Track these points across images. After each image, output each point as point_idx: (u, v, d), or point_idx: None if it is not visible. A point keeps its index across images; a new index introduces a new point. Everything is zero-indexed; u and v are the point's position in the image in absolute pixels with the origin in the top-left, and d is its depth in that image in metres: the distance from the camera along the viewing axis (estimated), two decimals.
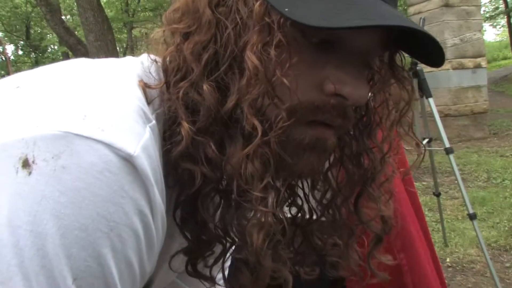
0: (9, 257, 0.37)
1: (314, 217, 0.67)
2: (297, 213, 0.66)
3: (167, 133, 0.48)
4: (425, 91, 3.03)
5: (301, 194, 0.67)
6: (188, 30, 0.51)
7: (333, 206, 0.65)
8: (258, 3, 0.47)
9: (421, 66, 3.18)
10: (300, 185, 0.66)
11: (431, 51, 0.51)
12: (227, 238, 0.55)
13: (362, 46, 0.51)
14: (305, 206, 0.67)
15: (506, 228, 3.67)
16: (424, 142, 3.30)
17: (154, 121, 0.46)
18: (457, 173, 2.91)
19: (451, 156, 2.93)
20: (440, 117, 6.92)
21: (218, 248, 0.57)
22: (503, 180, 5.05)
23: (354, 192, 0.64)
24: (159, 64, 0.52)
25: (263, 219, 0.49)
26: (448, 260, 3.23)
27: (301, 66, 0.48)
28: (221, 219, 0.53)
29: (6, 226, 0.37)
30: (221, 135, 0.49)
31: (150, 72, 0.51)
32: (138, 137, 0.42)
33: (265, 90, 0.47)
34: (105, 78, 0.46)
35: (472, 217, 2.79)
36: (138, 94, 0.46)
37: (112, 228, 0.39)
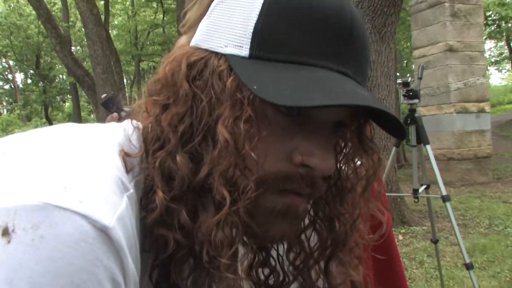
0: None
1: (287, 280, 0.67)
2: (269, 275, 0.66)
3: (143, 201, 0.50)
4: (423, 138, 3.02)
5: (275, 256, 0.66)
6: (167, 102, 0.53)
7: (305, 269, 0.65)
8: (230, 79, 0.50)
9: (419, 113, 3.18)
10: (275, 248, 0.66)
11: (395, 125, 0.54)
12: None
13: (328, 119, 0.54)
14: (278, 268, 0.66)
15: (508, 279, 3.57)
16: (422, 188, 3.26)
17: (132, 190, 0.48)
18: (454, 221, 2.86)
19: (448, 204, 2.88)
20: (443, 160, 6.89)
21: None
22: (505, 228, 4.96)
23: (324, 256, 0.64)
24: (140, 131, 0.55)
25: (231, 286, 0.51)
26: None
27: (270, 138, 0.51)
28: (193, 283, 0.54)
29: None
30: (194, 203, 0.51)
31: (130, 141, 0.53)
32: (114, 208, 0.44)
33: (234, 162, 0.49)
34: (87, 149, 0.47)
35: (469, 267, 2.72)
36: (118, 163, 0.48)
37: None
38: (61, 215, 0.40)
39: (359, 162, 0.61)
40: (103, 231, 0.42)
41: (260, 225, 0.53)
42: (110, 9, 16.20)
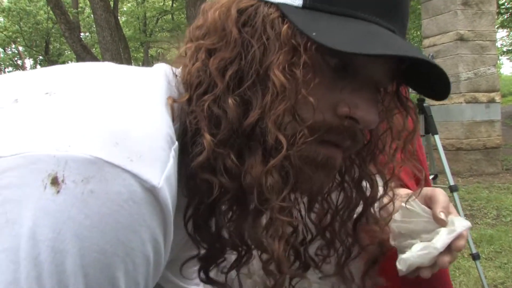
0: (28, 268, 0.38)
1: (309, 237, 0.68)
2: (292, 233, 0.67)
3: (188, 145, 0.51)
4: (431, 128, 3.00)
5: (298, 216, 0.68)
6: (214, 47, 0.54)
7: (331, 229, 0.67)
8: (285, 26, 0.51)
9: (428, 103, 3.16)
10: (297, 207, 0.67)
11: (437, 85, 0.55)
12: (243, 246, 0.57)
13: (374, 74, 0.55)
14: (300, 227, 0.68)
15: None
16: (430, 178, 3.26)
17: (176, 142, 0.48)
18: (461, 212, 2.85)
19: (456, 194, 2.87)
20: (452, 150, 6.85)
21: (230, 256, 0.59)
22: None
23: (352, 216, 0.67)
24: (179, 77, 0.55)
25: (281, 228, 0.52)
26: None
27: (321, 87, 0.52)
28: (237, 228, 0.56)
29: (28, 238, 0.39)
30: (241, 147, 0.52)
31: (174, 86, 0.54)
32: (163, 167, 0.44)
33: (290, 107, 0.50)
34: (137, 100, 0.47)
35: (475, 257, 2.72)
36: (166, 116, 0.49)
37: (128, 254, 0.42)
38: (112, 172, 0.41)
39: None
40: (151, 192, 0.43)
41: (301, 173, 0.54)
42: None
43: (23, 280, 0.38)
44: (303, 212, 0.66)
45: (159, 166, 0.44)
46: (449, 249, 0.66)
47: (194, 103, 0.52)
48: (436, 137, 2.98)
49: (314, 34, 0.49)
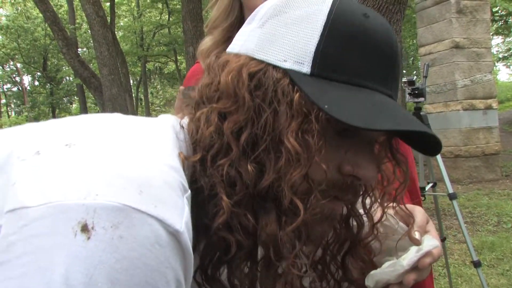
0: None
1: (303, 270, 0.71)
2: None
3: (204, 203, 0.54)
4: None
5: None
6: (226, 110, 0.56)
7: (322, 262, 0.70)
8: (297, 95, 0.54)
9: (425, 111, 3.17)
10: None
11: (429, 143, 0.59)
12: None
13: (373, 136, 0.61)
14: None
15: None
16: (428, 186, 3.25)
17: (189, 191, 0.51)
18: (461, 219, 2.86)
19: (455, 202, 2.87)
20: (451, 158, 6.84)
21: None
22: None
23: (341, 250, 0.70)
24: (185, 129, 0.58)
25: (293, 281, 0.56)
26: None
27: (329, 151, 0.55)
28: (250, 280, 0.59)
29: (61, 284, 0.40)
30: (256, 207, 0.55)
31: (182, 140, 0.57)
32: (182, 213, 0.47)
33: (304, 173, 0.53)
34: (153, 152, 0.50)
35: (477, 264, 2.71)
36: (178, 166, 0.51)
37: None
38: (139, 218, 0.43)
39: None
40: (174, 236, 0.45)
41: (312, 229, 0.58)
42: (115, 10, 16.26)
43: None
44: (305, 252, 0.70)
45: (179, 212, 0.47)
46: (416, 267, 0.68)
47: (209, 165, 0.54)
48: None
49: (326, 106, 0.52)
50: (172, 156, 0.52)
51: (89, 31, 10.90)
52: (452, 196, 2.90)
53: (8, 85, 29.64)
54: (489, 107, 8.28)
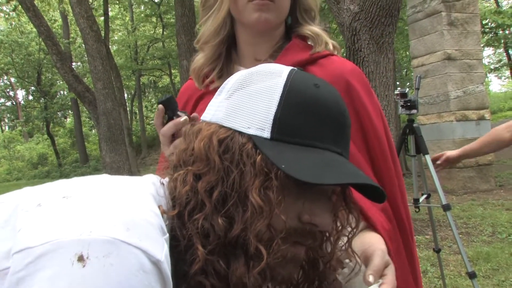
0: None
1: None
2: None
3: (180, 254, 0.62)
4: (422, 148, 3.02)
5: None
6: (200, 172, 0.65)
7: None
8: (259, 157, 0.63)
9: (418, 123, 3.18)
10: None
11: (376, 191, 0.68)
12: None
13: (328, 188, 0.69)
14: None
15: None
16: (422, 198, 3.26)
17: (167, 235, 0.59)
18: (455, 230, 2.87)
19: (449, 213, 2.89)
20: (445, 168, 6.86)
21: None
22: (509, 235, 4.94)
23: None
24: (165, 189, 0.66)
25: None
26: None
27: (288, 203, 0.64)
28: None
29: None
30: (227, 254, 0.63)
31: (163, 196, 0.65)
32: (162, 248, 0.56)
33: (266, 223, 0.61)
34: (137, 200, 0.59)
35: (472, 276, 2.71)
36: (159, 213, 0.60)
37: None
38: (126, 248, 0.52)
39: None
40: (156, 264, 0.54)
41: (275, 270, 0.66)
42: (110, 24, 16.32)
43: None
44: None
45: (159, 246, 0.56)
46: None
47: (187, 219, 0.63)
48: (427, 156, 3.00)
49: (283, 166, 0.61)
50: (154, 205, 0.61)
51: (83, 45, 10.92)
52: (446, 208, 2.91)
53: (2, 100, 29.58)
54: (482, 118, 8.34)
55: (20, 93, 29.02)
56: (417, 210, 3.33)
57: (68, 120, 30.09)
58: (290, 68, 0.70)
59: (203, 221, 0.62)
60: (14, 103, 29.04)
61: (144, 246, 0.53)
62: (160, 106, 0.94)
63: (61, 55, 10.02)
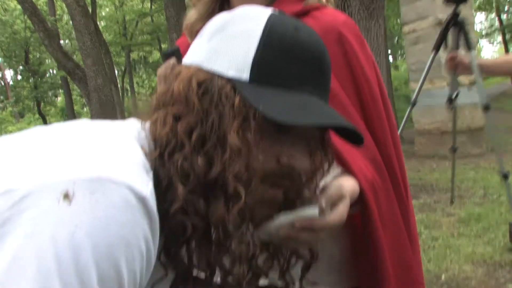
0: (50, 264, 0.48)
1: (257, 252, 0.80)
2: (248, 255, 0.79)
3: (162, 194, 0.62)
4: (468, 43, 2.90)
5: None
6: (179, 113, 0.65)
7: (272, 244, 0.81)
8: (237, 98, 0.64)
9: (462, 17, 3.05)
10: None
11: (353, 135, 0.71)
12: (209, 270, 0.70)
13: (306, 131, 0.71)
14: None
15: (502, 244, 3.63)
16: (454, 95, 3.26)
17: (151, 172, 0.61)
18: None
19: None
20: (437, 134, 6.90)
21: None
22: (500, 196, 5.03)
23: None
24: (147, 132, 0.67)
25: (240, 253, 0.66)
26: (443, 277, 3.20)
27: (266, 144, 0.66)
28: (205, 256, 0.68)
29: (49, 241, 0.48)
30: (207, 194, 0.64)
31: (143, 139, 0.66)
32: (147, 184, 0.57)
33: (244, 163, 0.62)
34: (121, 140, 0.61)
35: (505, 176, 2.89)
36: (141, 153, 0.61)
37: (127, 247, 0.53)
38: (111, 186, 0.52)
39: None
40: (141, 200, 0.55)
41: (253, 211, 0.67)
42: (96, 0, 16.02)
43: (45, 273, 0.47)
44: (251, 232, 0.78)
45: (145, 183, 0.57)
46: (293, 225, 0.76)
47: (167, 160, 0.63)
48: (473, 52, 2.90)
49: (260, 107, 0.62)
50: (136, 146, 0.62)
51: (70, 22, 10.75)
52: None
53: None
54: (473, 83, 8.36)
55: (8, 73, 28.67)
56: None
57: (59, 99, 29.82)
58: (270, 10, 0.71)
59: (183, 161, 0.63)
60: (3, 84, 28.69)
61: (130, 183, 0.54)
62: (173, 59, 0.93)
63: (49, 32, 9.88)
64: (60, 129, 0.62)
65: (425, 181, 6.19)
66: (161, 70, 0.96)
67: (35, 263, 0.48)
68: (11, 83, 28.23)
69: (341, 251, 1.04)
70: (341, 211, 0.81)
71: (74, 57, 14.16)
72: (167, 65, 0.94)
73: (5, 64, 25.31)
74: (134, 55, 23.18)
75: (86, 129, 0.62)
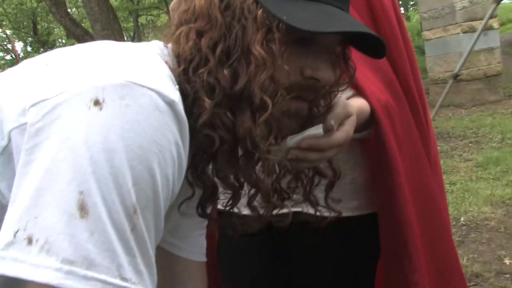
0: (85, 166, 0.49)
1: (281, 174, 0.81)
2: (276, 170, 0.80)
3: (187, 109, 0.61)
4: None
5: None
6: (202, 29, 0.66)
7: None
8: (260, 11, 0.64)
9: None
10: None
11: (376, 46, 0.71)
12: (237, 184, 0.72)
13: (329, 42, 0.71)
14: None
15: None
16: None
17: (177, 85, 0.61)
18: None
19: None
20: (452, 82, 6.79)
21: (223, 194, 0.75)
22: None
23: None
24: (169, 50, 0.68)
25: (270, 166, 0.67)
26: (462, 219, 3.24)
27: (291, 56, 0.65)
28: (233, 170, 0.70)
29: (82, 146, 0.50)
30: (233, 107, 0.65)
31: (167, 55, 0.67)
32: (175, 91, 0.58)
33: (270, 74, 0.63)
34: (145, 52, 0.63)
35: None
36: (166, 66, 0.63)
37: (160, 150, 0.53)
38: (140, 90, 0.53)
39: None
40: (170, 105, 0.56)
41: (280, 123, 0.69)
42: None
43: (81, 175, 0.49)
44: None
45: (173, 91, 0.58)
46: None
47: (191, 74, 0.64)
48: None
49: (284, 17, 0.62)
50: (161, 60, 0.63)
51: None
52: None
53: (1, 54, 29.28)
54: (490, 28, 8.13)
55: (18, 45, 28.66)
56: None
57: None
58: None
59: (208, 75, 0.63)
60: (14, 56, 28.75)
61: (158, 88, 0.55)
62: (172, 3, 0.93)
63: (55, 0, 9.78)
64: (84, 46, 0.64)
65: (441, 128, 6.15)
66: (173, 3, 0.96)
67: (71, 167, 0.49)
68: (21, 55, 28.30)
69: (362, 175, 1.05)
70: (347, 129, 0.81)
71: (82, 25, 14.06)
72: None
73: (14, 36, 25.28)
74: (142, 20, 22.93)
75: (111, 44, 0.64)
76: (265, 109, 0.64)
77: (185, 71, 0.65)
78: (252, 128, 0.65)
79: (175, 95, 0.57)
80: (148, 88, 0.54)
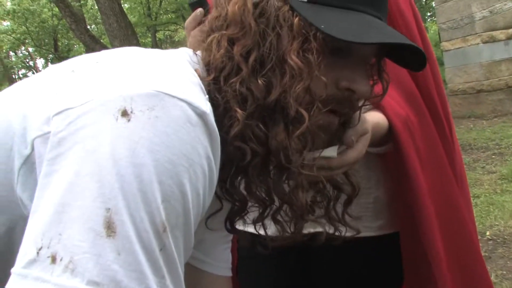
0: (112, 181, 0.46)
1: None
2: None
3: (218, 120, 0.58)
4: None
5: None
6: (235, 36, 0.63)
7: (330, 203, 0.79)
8: (296, 18, 0.61)
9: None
10: None
11: (415, 59, 0.68)
12: (268, 199, 0.68)
13: (365, 54, 0.68)
14: None
15: None
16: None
17: (207, 96, 0.58)
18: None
19: None
20: (472, 94, 6.70)
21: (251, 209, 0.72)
22: None
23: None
24: (199, 58, 0.65)
25: (303, 181, 0.64)
26: (488, 233, 3.13)
27: (327, 67, 0.62)
28: (264, 184, 0.66)
29: (109, 159, 0.46)
30: (266, 119, 0.62)
31: (196, 63, 0.64)
32: (206, 102, 0.55)
33: (307, 86, 0.60)
34: (174, 60, 0.59)
35: None
36: (196, 74, 0.59)
37: (190, 165, 0.50)
38: (171, 101, 0.50)
39: None
40: (202, 117, 0.52)
41: (315, 136, 0.65)
42: None
43: (108, 192, 0.46)
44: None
45: (204, 101, 0.54)
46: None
47: (223, 84, 0.61)
48: None
49: (322, 26, 0.60)
50: (191, 68, 0.59)
51: (95, 6, 10.82)
52: None
53: (23, 71, 29.93)
54: (511, 37, 8.01)
55: (40, 62, 29.26)
56: None
57: None
58: None
59: (240, 85, 0.60)
60: (35, 73, 29.34)
61: (189, 98, 0.51)
62: (200, 9, 0.89)
63: (75, 17, 9.99)
64: (111, 52, 0.61)
65: (463, 140, 6.04)
66: (188, 22, 0.93)
67: (97, 182, 0.46)
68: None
69: (385, 192, 1.01)
70: (360, 148, 0.78)
71: (102, 40, 14.31)
72: (194, 16, 0.91)
73: (35, 53, 25.85)
74: (159, 35, 23.25)
75: (139, 50, 0.60)
76: (300, 122, 0.61)
77: (216, 80, 0.62)
78: (286, 141, 0.61)
79: (206, 106, 0.54)
80: (179, 98, 0.51)
